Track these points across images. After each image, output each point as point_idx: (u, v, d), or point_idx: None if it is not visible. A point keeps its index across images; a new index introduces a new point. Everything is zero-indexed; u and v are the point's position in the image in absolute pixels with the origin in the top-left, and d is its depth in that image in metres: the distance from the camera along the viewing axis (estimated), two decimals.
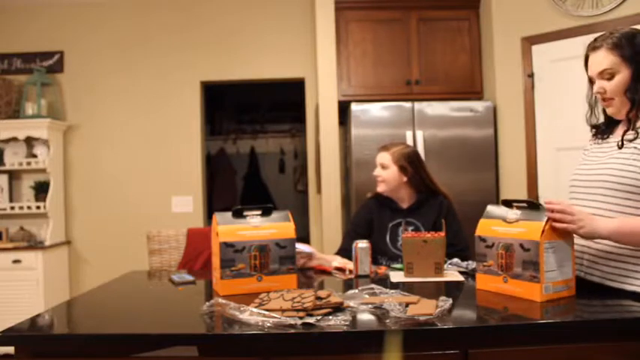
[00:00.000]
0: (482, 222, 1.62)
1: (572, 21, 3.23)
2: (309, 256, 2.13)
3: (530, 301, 1.45)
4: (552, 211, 1.46)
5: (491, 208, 1.64)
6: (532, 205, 1.55)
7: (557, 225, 1.46)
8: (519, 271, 1.48)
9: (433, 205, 2.31)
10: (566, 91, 3.21)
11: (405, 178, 2.30)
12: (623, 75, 1.52)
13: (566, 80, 3.22)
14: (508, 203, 1.60)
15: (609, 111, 1.60)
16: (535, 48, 3.40)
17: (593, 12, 3.14)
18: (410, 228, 2.26)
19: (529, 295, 1.46)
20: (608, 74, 1.53)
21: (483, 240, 1.59)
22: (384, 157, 2.32)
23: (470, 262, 2.00)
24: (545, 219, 1.47)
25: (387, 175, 2.30)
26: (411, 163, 2.30)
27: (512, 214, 1.56)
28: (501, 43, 3.52)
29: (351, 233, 2.36)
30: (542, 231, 1.45)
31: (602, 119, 1.68)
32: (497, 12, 3.54)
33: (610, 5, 3.07)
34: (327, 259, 2.17)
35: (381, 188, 2.33)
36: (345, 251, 2.26)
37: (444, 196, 2.35)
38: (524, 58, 3.43)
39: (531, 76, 3.41)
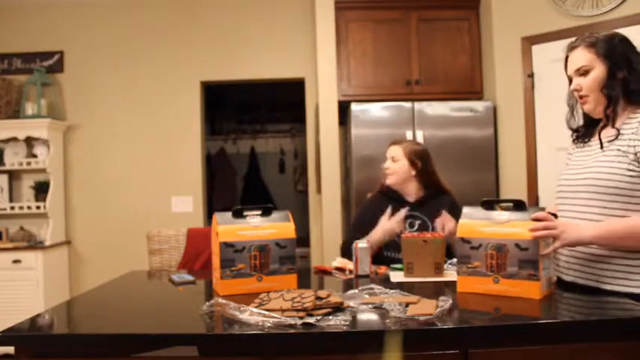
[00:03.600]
0: (462, 223, 1.60)
1: (572, 21, 3.23)
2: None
3: (523, 299, 1.46)
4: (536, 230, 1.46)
5: (468, 210, 1.62)
6: (518, 204, 1.55)
7: (543, 235, 1.46)
8: (515, 271, 1.49)
9: (439, 201, 2.34)
10: (566, 91, 3.20)
11: (414, 172, 2.35)
12: (597, 71, 1.53)
13: (566, 80, 3.19)
14: (489, 204, 1.60)
15: (585, 108, 1.61)
16: (535, 48, 3.40)
17: (593, 12, 3.14)
18: (417, 222, 2.29)
19: (527, 294, 1.47)
20: (584, 70, 1.55)
21: (467, 242, 1.57)
22: (396, 151, 2.37)
23: None
24: None
25: (397, 167, 2.35)
26: (421, 159, 2.36)
27: (500, 214, 1.56)
28: (501, 43, 3.52)
29: (357, 224, 2.37)
30: None
31: (581, 122, 1.68)
32: (497, 12, 3.54)
33: (610, 5, 3.07)
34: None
35: (390, 180, 2.36)
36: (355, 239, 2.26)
37: (449, 194, 2.39)
38: (524, 58, 3.43)
39: (531, 76, 3.41)
